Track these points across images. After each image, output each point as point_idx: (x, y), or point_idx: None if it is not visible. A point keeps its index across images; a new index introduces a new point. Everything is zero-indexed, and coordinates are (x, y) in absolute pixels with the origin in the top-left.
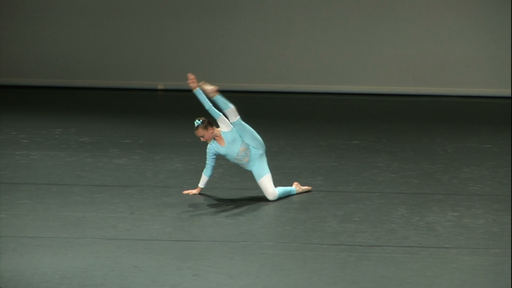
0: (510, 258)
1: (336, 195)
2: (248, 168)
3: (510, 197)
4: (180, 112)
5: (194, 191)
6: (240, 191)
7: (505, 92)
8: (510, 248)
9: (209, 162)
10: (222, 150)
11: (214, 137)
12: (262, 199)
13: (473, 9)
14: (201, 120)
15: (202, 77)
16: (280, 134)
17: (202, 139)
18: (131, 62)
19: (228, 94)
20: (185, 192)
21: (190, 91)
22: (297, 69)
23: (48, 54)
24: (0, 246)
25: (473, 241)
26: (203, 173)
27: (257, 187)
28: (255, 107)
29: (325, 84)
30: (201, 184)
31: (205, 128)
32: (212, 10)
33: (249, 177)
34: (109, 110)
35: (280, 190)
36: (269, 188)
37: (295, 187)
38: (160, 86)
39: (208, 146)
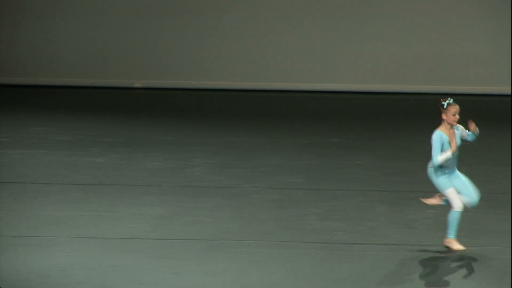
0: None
1: (316, 193)
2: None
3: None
4: (158, 111)
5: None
6: (220, 190)
7: (484, 89)
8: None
9: (437, 152)
10: (446, 146)
11: (452, 125)
12: (242, 197)
13: (451, 8)
14: None
15: (181, 75)
16: (260, 132)
17: (454, 118)
18: (109, 61)
19: (207, 92)
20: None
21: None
22: (277, 67)
23: (26, 53)
24: None
25: None
26: (434, 161)
27: (237, 186)
28: (235, 105)
29: (305, 82)
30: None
31: None
32: (191, 9)
33: (230, 175)
34: (88, 109)
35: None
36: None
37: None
38: (137, 85)
39: (434, 137)
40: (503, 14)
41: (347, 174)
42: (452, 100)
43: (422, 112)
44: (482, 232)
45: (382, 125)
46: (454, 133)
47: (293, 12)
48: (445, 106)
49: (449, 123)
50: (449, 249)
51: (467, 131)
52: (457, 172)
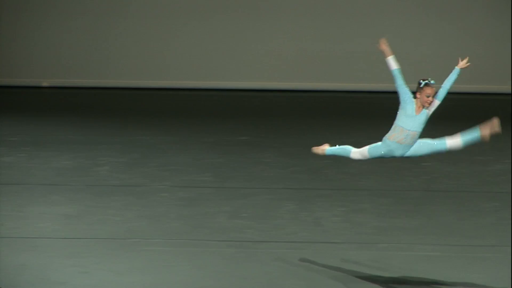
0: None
1: (224, 191)
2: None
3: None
4: (65, 110)
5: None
6: (128, 188)
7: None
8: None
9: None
10: (410, 109)
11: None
12: (150, 195)
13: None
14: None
15: (87, 74)
16: (166, 131)
17: (427, 99)
18: (14, 60)
19: (113, 91)
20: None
21: (73, 88)
22: (182, 66)
23: None
24: None
25: (360, 236)
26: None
27: (144, 184)
28: (142, 104)
29: (210, 80)
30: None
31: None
32: (94, 8)
33: (137, 174)
34: None
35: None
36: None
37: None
38: (45, 84)
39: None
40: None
41: (255, 172)
42: (433, 81)
43: (329, 109)
44: (390, 229)
45: (289, 122)
46: (421, 109)
47: (196, 11)
48: (421, 85)
49: (421, 103)
50: None
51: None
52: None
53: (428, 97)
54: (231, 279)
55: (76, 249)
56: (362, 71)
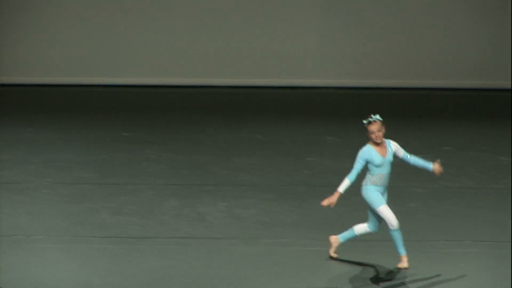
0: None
1: (108, 188)
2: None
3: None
4: None
5: (334, 198)
6: (11, 185)
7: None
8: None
9: (357, 167)
10: (378, 159)
11: (376, 142)
12: (33, 192)
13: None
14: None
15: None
16: (49, 127)
17: (374, 136)
18: None
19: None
20: (325, 203)
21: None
22: (65, 62)
23: None
24: None
25: (244, 231)
26: (346, 178)
27: (27, 181)
28: (26, 101)
29: (94, 77)
30: (341, 189)
31: (383, 125)
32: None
33: (21, 171)
34: None
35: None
36: (391, 214)
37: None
38: None
39: (362, 150)
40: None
41: (138, 168)
42: (374, 118)
43: (211, 105)
44: (273, 224)
45: (171, 118)
46: (385, 148)
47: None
48: (365, 125)
49: (373, 143)
50: (403, 268)
51: (405, 152)
52: (386, 191)
53: (372, 133)
54: (114, 275)
55: None
56: (247, 67)
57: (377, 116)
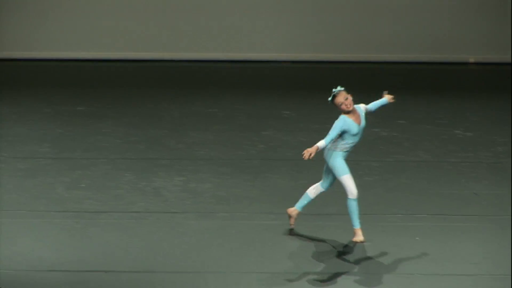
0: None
1: (62, 162)
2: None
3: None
4: None
5: (313, 149)
6: None
7: (235, 56)
8: (510, 238)
9: (332, 135)
10: (355, 128)
11: (349, 111)
12: None
13: None
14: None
15: None
16: (2, 102)
17: (344, 106)
18: None
19: None
20: (306, 155)
21: None
22: (15, 36)
23: None
24: None
25: (200, 205)
26: (323, 140)
27: None
28: None
29: (47, 51)
30: (319, 145)
31: (347, 93)
32: None
33: None
34: None
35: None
36: (353, 184)
37: None
38: None
39: (339, 120)
40: None
41: (93, 142)
42: (336, 90)
43: (166, 79)
44: (229, 198)
45: (127, 93)
46: (358, 115)
47: None
48: (329, 100)
49: (345, 113)
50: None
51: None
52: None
53: (341, 104)
54: (69, 249)
55: None
56: (203, 41)
57: (338, 88)
